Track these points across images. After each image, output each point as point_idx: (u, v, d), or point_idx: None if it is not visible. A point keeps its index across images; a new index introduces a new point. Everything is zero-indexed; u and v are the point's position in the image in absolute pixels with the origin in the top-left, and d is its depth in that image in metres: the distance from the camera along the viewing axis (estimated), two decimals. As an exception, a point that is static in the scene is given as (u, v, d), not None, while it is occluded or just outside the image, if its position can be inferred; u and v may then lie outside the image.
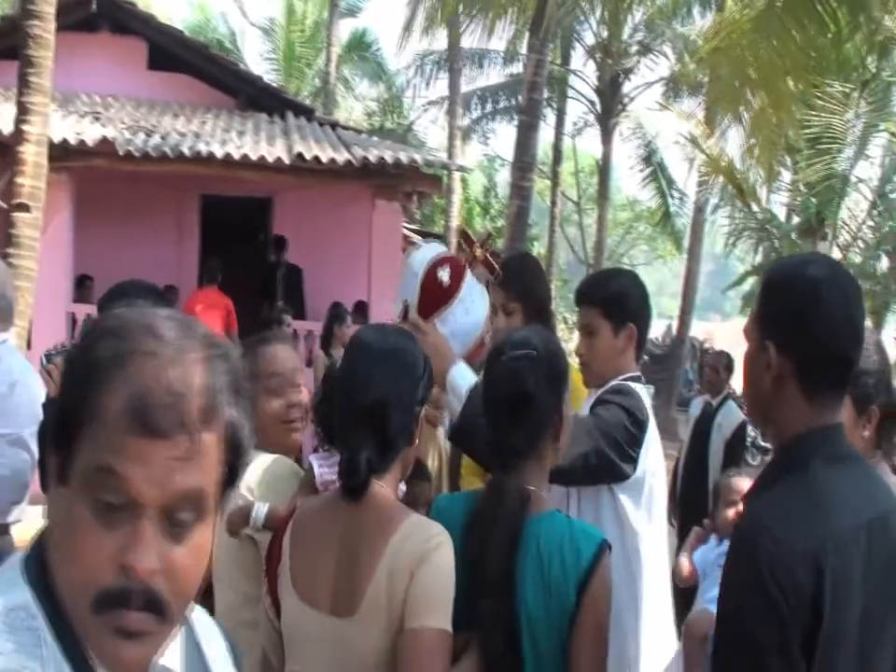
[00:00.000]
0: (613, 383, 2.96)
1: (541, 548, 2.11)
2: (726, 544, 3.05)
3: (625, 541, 2.79)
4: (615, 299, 3.02)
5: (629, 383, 2.95)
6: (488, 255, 3.27)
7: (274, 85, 18.00)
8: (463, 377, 2.79)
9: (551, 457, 2.30)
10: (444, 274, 2.97)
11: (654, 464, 2.89)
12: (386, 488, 2.09)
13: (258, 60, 28.33)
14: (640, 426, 2.80)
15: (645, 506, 2.86)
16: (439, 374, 2.54)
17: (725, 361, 8.08)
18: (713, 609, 2.97)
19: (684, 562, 3.04)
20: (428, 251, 3.09)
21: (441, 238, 19.23)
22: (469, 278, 3.11)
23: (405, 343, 2.19)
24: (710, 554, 3.35)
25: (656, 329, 25.70)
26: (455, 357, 2.84)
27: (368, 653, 1.96)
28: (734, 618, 1.67)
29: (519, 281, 3.58)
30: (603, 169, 25.18)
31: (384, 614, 1.92)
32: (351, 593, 1.99)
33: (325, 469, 2.82)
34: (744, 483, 4.05)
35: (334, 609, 2.00)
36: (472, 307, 3.08)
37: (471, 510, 2.21)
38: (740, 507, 2.99)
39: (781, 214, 18.67)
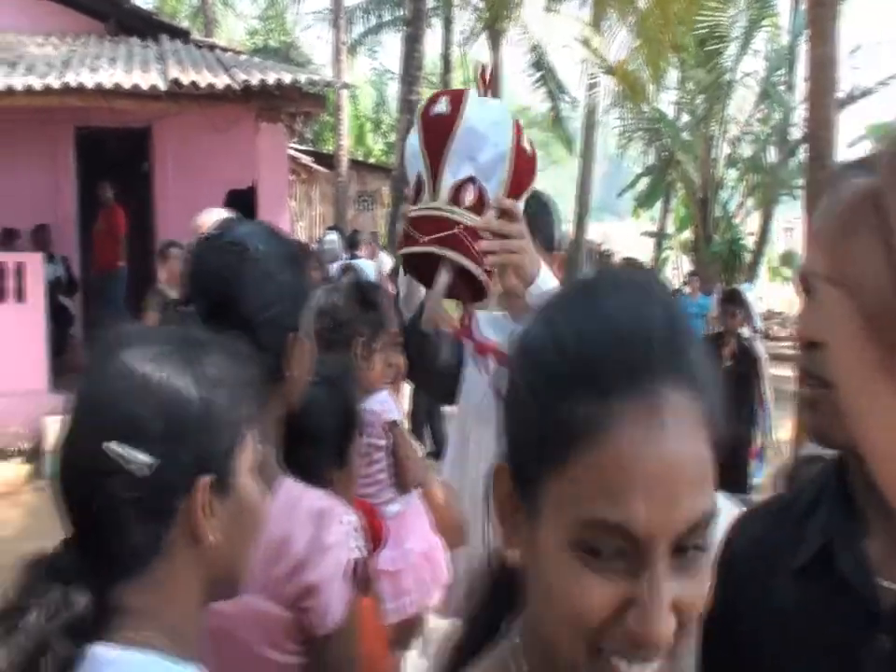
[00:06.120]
0: None
1: None
2: None
3: None
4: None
5: None
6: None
7: (148, 7, 17.26)
8: (548, 284, 2.07)
9: None
10: (526, 142, 2.13)
11: None
12: None
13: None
14: None
15: None
16: (526, 279, 2.03)
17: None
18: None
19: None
20: (495, 111, 2.14)
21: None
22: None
23: None
24: None
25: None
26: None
27: None
28: None
29: None
30: (493, 76, 24.91)
31: None
32: None
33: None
34: None
35: None
36: None
37: None
38: None
39: (670, 112, 18.70)
